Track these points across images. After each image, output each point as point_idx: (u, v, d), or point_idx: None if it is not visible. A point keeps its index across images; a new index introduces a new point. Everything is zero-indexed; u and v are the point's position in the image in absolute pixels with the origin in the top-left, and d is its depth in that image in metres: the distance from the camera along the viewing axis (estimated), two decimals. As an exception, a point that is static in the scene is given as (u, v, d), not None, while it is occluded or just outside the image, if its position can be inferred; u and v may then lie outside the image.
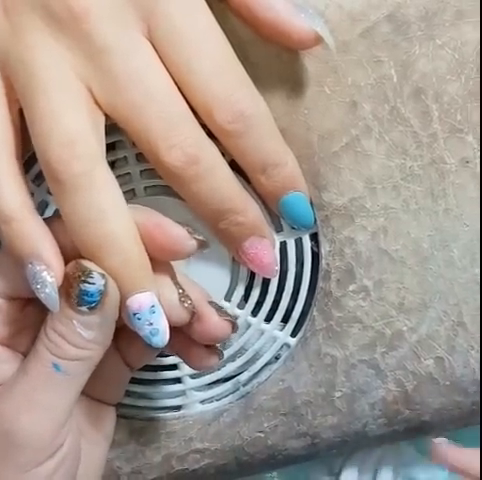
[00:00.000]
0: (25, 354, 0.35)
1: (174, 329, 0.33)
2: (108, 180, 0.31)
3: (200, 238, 0.33)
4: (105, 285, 0.31)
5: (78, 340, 0.32)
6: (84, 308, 0.32)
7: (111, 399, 0.38)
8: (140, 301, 0.32)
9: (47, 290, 0.32)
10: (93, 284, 0.31)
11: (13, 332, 0.35)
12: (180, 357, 0.38)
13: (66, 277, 0.32)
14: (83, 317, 0.32)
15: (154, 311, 0.32)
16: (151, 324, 0.32)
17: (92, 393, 0.36)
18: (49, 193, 0.37)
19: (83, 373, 0.33)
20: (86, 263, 0.31)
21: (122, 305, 0.32)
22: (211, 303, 0.35)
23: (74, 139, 0.30)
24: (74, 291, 0.32)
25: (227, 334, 0.35)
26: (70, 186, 0.31)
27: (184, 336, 0.35)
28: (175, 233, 0.33)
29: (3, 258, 0.34)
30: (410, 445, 0.47)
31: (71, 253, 0.32)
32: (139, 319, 0.32)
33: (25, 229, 0.32)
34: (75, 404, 0.34)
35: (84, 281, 0.31)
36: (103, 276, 0.31)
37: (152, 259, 0.33)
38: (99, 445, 0.37)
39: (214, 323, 0.35)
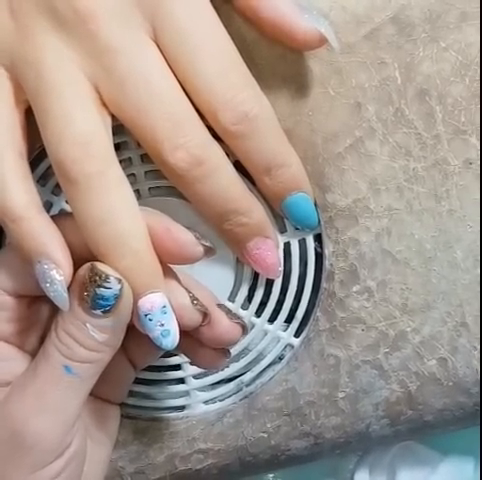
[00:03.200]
0: (31, 352, 0.35)
1: (181, 330, 0.33)
2: (121, 180, 0.32)
3: (207, 244, 0.33)
4: (121, 289, 0.31)
5: (91, 343, 0.32)
6: (98, 312, 0.32)
7: (115, 398, 0.38)
8: (152, 301, 0.32)
9: (56, 288, 0.32)
10: (109, 288, 0.31)
11: (20, 329, 0.35)
12: (187, 357, 0.38)
13: (80, 280, 0.32)
14: (97, 320, 0.32)
15: (165, 312, 0.32)
16: (162, 325, 0.32)
17: (96, 392, 0.36)
18: (54, 193, 0.37)
19: (93, 375, 0.33)
20: (102, 267, 0.31)
21: (133, 306, 0.32)
22: (220, 306, 0.35)
23: (88, 139, 0.31)
24: (89, 295, 0.31)
25: (237, 337, 0.35)
26: (84, 186, 0.31)
27: (191, 336, 0.35)
28: (183, 238, 0.33)
29: (11, 255, 0.34)
30: (421, 443, 0.47)
31: (79, 251, 0.32)
32: (150, 320, 0.32)
33: (33, 228, 0.32)
34: (83, 405, 0.34)
35: (100, 286, 0.31)
36: (119, 281, 0.31)
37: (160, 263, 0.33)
38: (103, 444, 0.37)
39: (224, 327, 0.35)
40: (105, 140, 0.31)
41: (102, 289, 0.31)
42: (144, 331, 0.33)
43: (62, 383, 0.32)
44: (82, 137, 0.31)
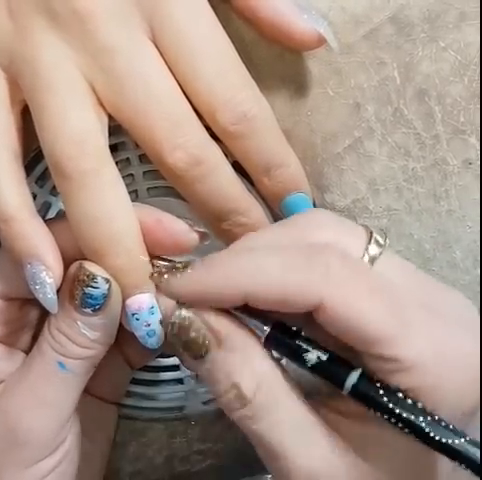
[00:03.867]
0: (24, 351, 0.36)
1: None
2: (116, 179, 0.32)
3: (201, 230, 0.33)
4: (109, 289, 0.31)
5: (82, 340, 0.33)
6: (88, 310, 0.32)
7: (112, 397, 0.38)
8: (140, 302, 0.32)
9: (46, 291, 0.32)
10: (97, 288, 0.31)
11: (12, 331, 0.35)
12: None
13: (70, 279, 0.32)
14: (87, 318, 0.32)
15: (153, 312, 0.32)
16: (148, 325, 0.32)
17: (94, 391, 0.37)
18: (52, 194, 0.37)
19: (87, 371, 0.33)
20: (90, 266, 0.32)
21: (122, 304, 0.32)
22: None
23: (84, 137, 0.31)
24: (78, 294, 0.32)
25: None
26: (78, 183, 0.31)
27: None
28: (176, 227, 0.33)
29: (2, 258, 0.34)
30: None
31: (71, 255, 0.32)
32: (137, 319, 0.32)
33: (24, 229, 0.32)
34: (77, 402, 0.34)
35: (88, 285, 0.31)
36: (107, 281, 0.31)
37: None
38: (100, 442, 0.37)
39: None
40: (100, 139, 0.31)
41: (90, 288, 0.31)
42: (130, 329, 0.33)
43: (56, 379, 0.33)
44: (77, 135, 0.31)
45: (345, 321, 0.27)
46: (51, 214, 0.38)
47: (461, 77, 0.36)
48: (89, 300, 0.32)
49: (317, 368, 0.28)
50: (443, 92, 0.36)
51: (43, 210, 0.37)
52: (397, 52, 0.35)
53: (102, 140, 0.31)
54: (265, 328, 0.29)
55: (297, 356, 0.29)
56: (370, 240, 0.29)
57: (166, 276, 0.30)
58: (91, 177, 0.31)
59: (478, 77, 0.36)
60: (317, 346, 0.29)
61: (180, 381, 0.41)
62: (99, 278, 0.31)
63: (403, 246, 0.37)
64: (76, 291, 0.32)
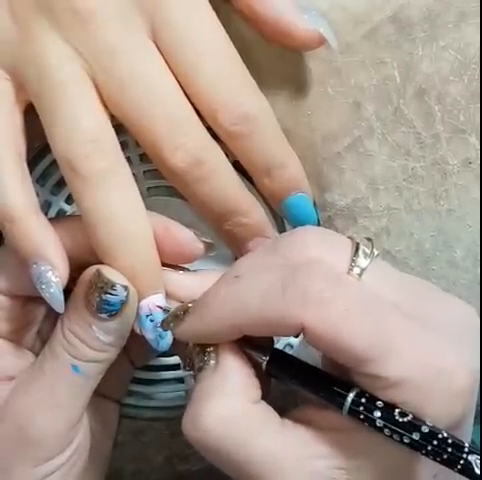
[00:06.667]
0: (29, 348, 0.36)
1: None
2: (129, 178, 0.32)
3: (207, 241, 0.33)
4: (127, 296, 0.32)
5: (96, 344, 0.33)
6: (104, 315, 0.32)
7: (114, 395, 0.39)
8: (155, 302, 0.32)
9: (52, 290, 0.32)
10: (116, 295, 0.31)
11: (15, 328, 0.35)
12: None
13: (86, 284, 0.32)
14: (102, 323, 0.32)
15: (165, 314, 0.32)
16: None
17: (97, 389, 0.37)
18: (53, 193, 0.37)
19: (99, 373, 0.34)
20: (108, 274, 0.32)
21: None
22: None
23: (98, 136, 0.31)
24: (95, 299, 0.32)
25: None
26: (93, 182, 0.31)
27: None
28: (183, 236, 0.33)
29: (6, 256, 0.34)
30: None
31: (76, 254, 0.32)
32: (151, 321, 0.32)
33: (30, 229, 0.32)
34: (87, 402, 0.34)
35: (106, 292, 0.31)
36: (126, 288, 0.32)
37: None
38: (104, 440, 0.38)
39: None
40: (113, 138, 0.32)
41: (108, 295, 0.31)
42: (141, 332, 0.33)
43: (69, 381, 0.33)
44: (91, 134, 0.31)
45: (327, 343, 0.28)
46: (51, 213, 0.38)
47: (461, 76, 0.36)
48: (106, 306, 0.32)
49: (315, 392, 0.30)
50: (443, 91, 0.36)
51: (43, 209, 0.37)
52: (397, 51, 0.35)
53: (115, 139, 0.32)
54: (264, 358, 0.30)
55: (295, 382, 0.31)
56: (357, 252, 0.29)
57: (172, 324, 0.31)
58: (106, 176, 0.31)
59: (478, 77, 0.36)
60: (313, 371, 0.30)
61: (181, 380, 0.41)
62: (118, 286, 0.31)
63: (403, 245, 0.37)
64: (92, 297, 0.32)
